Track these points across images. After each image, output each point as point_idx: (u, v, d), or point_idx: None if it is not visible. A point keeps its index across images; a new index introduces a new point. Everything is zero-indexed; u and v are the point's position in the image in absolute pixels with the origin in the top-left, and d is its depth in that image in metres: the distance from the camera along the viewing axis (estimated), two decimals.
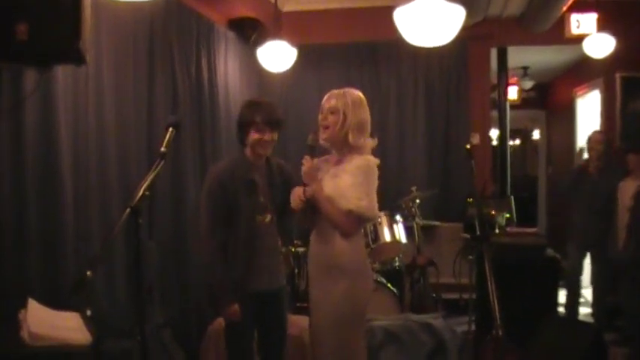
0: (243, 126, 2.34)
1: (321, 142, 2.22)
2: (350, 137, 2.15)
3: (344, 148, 2.20)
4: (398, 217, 4.03)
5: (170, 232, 3.38)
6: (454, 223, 4.84)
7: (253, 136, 2.32)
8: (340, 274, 2.13)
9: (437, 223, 4.71)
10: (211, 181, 2.31)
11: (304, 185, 2.15)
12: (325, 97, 2.22)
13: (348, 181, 2.12)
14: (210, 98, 3.98)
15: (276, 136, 2.37)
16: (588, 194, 4.03)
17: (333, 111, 2.17)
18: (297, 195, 2.20)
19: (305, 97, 5.19)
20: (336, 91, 2.21)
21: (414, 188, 4.31)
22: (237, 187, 2.31)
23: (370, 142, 2.21)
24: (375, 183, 2.15)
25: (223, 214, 2.30)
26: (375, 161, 2.16)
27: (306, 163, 2.17)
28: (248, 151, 2.38)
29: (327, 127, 2.18)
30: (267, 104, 2.40)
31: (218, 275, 2.28)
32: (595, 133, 4.22)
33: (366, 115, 2.19)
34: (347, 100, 2.15)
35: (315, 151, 2.22)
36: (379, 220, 3.89)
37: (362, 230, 2.26)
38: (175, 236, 3.45)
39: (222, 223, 2.29)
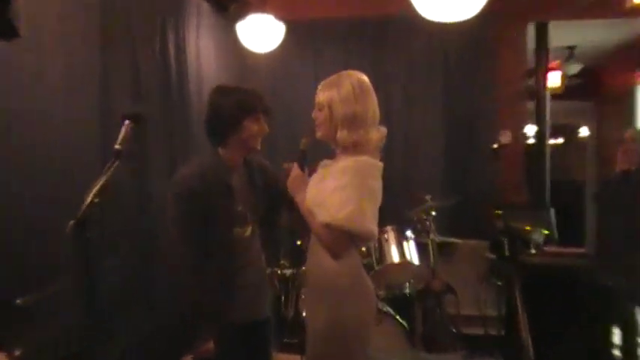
0: (232, 118, 2.34)
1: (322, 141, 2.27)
2: (338, 134, 2.19)
3: (337, 147, 2.25)
4: (408, 233, 4.04)
5: (133, 245, 3.41)
6: (478, 240, 4.80)
7: (250, 128, 2.35)
8: (324, 298, 2.16)
9: (456, 240, 4.69)
10: (179, 188, 2.32)
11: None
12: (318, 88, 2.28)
13: (329, 187, 2.14)
14: (179, 83, 3.97)
15: None
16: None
17: (320, 107, 2.23)
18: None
19: (297, 85, 5.19)
20: (327, 80, 2.25)
21: (428, 197, 4.32)
22: (210, 194, 2.32)
23: (373, 136, 2.19)
24: (371, 189, 2.12)
25: (195, 226, 2.31)
26: (371, 162, 2.15)
27: (293, 171, 2.23)
28: (227, 150, 2.40)
29: (319, 126, 2.25)
30: (254, 90, 2.43)
31: (193, 304, 2.30)
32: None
33: (359, 106, 2.18)
34: (333, 93, 2.18)
35: (307, 157, 2.27)
36: (385, 236, 3.91)
37: (357, 249, 2.24)
38: (140, 251, 3.48)
39: (195, 237, 2.30)
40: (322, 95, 2.22)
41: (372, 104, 2.22)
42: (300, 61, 5.25)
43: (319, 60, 5.21)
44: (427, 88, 5.25)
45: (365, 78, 2.24)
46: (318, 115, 2.24)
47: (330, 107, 2.18)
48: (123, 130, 1.81)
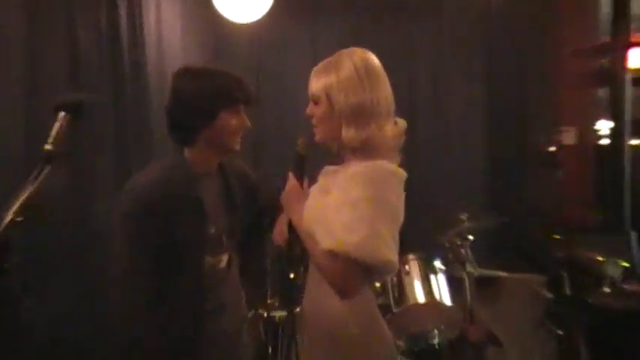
0: (204, 109, 2.36)
1: (321, 144, 2.30)
2: (343, 133, 2.20)
3: (345, 150, 2.28)
4: (437, 264, 4.07)
5: (67, 280, 3.43)
6: (530, 274, 4.68)
7: (227, 122, 2.38)
8: (327, 350, 2.19)
9: (501, 273, 4.54)
10: (130, 203, 2.32)
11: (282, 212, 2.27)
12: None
13: (334, 203, 2.15)
14: (133, 64, 4.01)
15: None
16: None
17: (315, 99, 2.26)
18: (280, 229, 2.28)
19: (291, 67, 5.13)
20: (322, 63, 2.28)
21: (464, 216, 4.33)
22: (172, 211, 2.33)
23: (389, 132, 2.20)
24: (389, 204, 2.10)
25: (153, 254, 2.31)
26: (388, 168, 2.15)
27: (288, 182, 2.26)
28: (196, 151, 2.43)
29: (317, 125, 2.27)
30: (232, 73, 2.47)
31: (145, 352, 2.31)
32: None
33: (367, 93, 2.19)
34: (331, 79, 2.21)
35: (306, 163, 2.30)
36: (407, 268, 3.92)
37: (370, 285, 2.28)
38: (77, 287, 3.49)
39: (153, 269, 2.32)
40: (317, 83, 2.24)
41: (385, 90, 2.23)
42: (294, 34, 5.18)
43: (320, 33, 5.14)
44: (462, 69, 5.22)
45: (372, 56, 2.26)
46: (315, 111, 2.25)
47: (329, 98, 2.20)
48: (56, 124, 1.79)
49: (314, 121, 2.27)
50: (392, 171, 2.13)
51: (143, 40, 4.16)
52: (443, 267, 4.11)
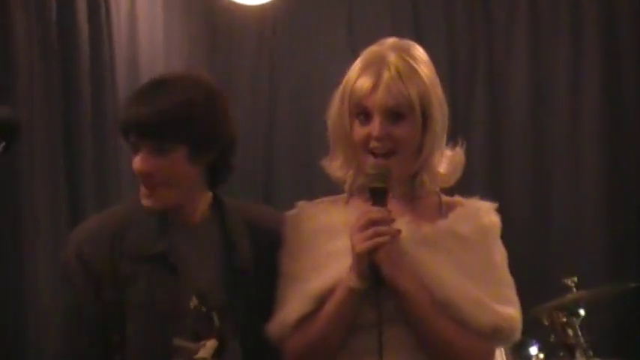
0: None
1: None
2: (435, 161, 2.29)
3: (415, 181, 2.32)
4: (532, 350, 4.14)
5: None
6: None
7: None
8: None
9: None
10: (68, 260, 2.35)
11: (374, 264, 2.18)
12: (363, 74, 2.26)
13: (472, 263, 2.22)
14: (94, 68, 4.20)
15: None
16: None
17: (402, 112, 2.22)
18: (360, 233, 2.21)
19: (315, 56, 5.32)
20: (392, 57, 2.25)
21: (571, 281, 4.22)
22: (129, 271, 2.34)
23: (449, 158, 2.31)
24: None
25: (99, 335, 2.34)
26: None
27: (390, 224, 2.19)
28: None
29: (389, 152, 2.25)
30: (140, 87, 2.44)
31: None
32: None
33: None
34: (423, 81, 2.25)
35: (387, 199, 2.27)
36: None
37: None
38: None
39: (96, 350, 2.35)
40: (404, 87, 2.22)
41: None
42: (324, 15, 5.40)
43: (356, 11, 5.32)
44: (560, 58, 5.42)
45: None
46: (395, 131, 2.24)
47: (426, 110, 2.24)
48: None
49: (389, 145, 2.24)
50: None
51: (110, 31, 4.31)
52: (541, 355, 4.13)
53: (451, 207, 2.31)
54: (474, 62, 5.58)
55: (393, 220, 2.24)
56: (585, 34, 5.53)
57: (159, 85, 2.40)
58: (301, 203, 2.46)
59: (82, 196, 4.16)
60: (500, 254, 2.26)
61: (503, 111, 5.55)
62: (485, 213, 2.30)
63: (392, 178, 2.27)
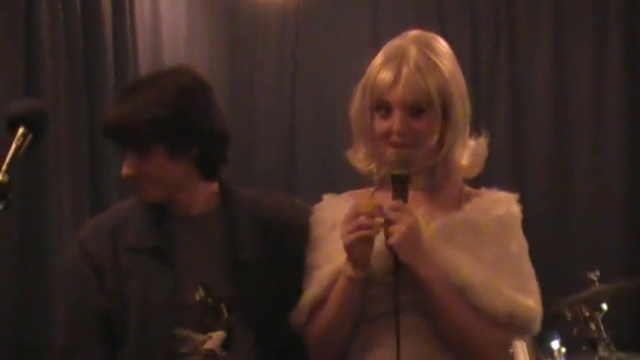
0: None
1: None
2: (456, 154, 2.30)
3: (436, 173, 2.34)
4: (555, 344, 4.16)
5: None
6: None
7: None
8: None
9: None
10: (75, 255, 2.40)
11: (396, 258, 2.19)
12: (384, 69, 2.26)
13: (489, 254, 2.22)
14: (118, 62, 4.25)
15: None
16: None
17: (422, 106, 2.23)
18: (364, 222, 2.21)
19: (339, 49, 5.41)
20: (413, 51, 2.25)
21: (594, 275, 4.22)
22: (129, 263, 2.38)
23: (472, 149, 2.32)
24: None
25: (102, 328, 2.36)
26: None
27: (409, 214, 2.20)
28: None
29: (410, 145, 2.27)
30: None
31: None
32: None
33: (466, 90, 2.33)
34: (443, 74, 2.25)
35: (409, 186, 2.31)
36: (510, 352, 3.84)
37: None
38: None
39: (98, 342, 2.37)
40: (424, 81, 2.23)
41: None
42: (346, 15, 5.48)
43: (380, 4, 5.45)
44: (584, 51, 5.52)
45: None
46: (415, 125, 2.24)
47: (446, 102, 2.25)
48: (13, 147, 1.79)
49: (409, 139, 2.25)
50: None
51: (133, 26, 4.36)
52: (563, 349, 4.15)
53: (469, 198, 2.34)
54: (497, 54, 5.62)
55: (400, 210, 2.25)
56: (609, 26, 5.59)
57: (133, 87, 2.46)
58: (327, 196, 2.49)
59: (105, 189, 4.20)
60: (517, 245, 2.26)
61: (526, 103, 5.58)
62: (503, 203, 2.32)
63: (413, 165, 2.28)
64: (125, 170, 2.37)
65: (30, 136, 1.85)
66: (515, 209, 2.30)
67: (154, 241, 2.41)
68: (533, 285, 2.23)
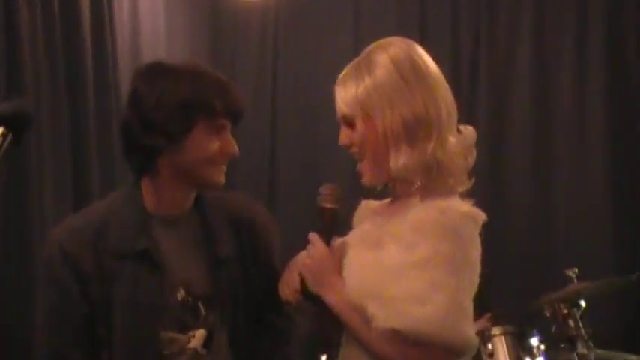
0: (170, 122, 2.34)
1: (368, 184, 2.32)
2: (391, 160, 2.23)
3: (402, 184, 2.29)
4: (534, 341, 4.16)
5: None
6: None
7: (204, 143, 2.36)
8: None
9: (630, 356, 4.49)
10: (55, 258, 2.37)
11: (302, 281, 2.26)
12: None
13: (394, 263, 2.14)
14: (97, 60, 4.24)
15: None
16: None
17: (349, 120, 2.26)
18: (287, 284, 2.32)
19: (320, 54, 5.41)
20: (349, 67, 2.30)
21: (572, 272, 4.24)
22: (106, 267, 2.36)
23: (454, 148, 2.22)
24: (470, 265, 2.16)
25: (84, 333, 2.35)
26: (465, 212, 2.17)
27: (316, 247, 2.26)
28: (158, 182, 2.43)
29: (360, 157, 2.30)
30: (215, 75, 2.44)
31: None
32: None
33: (419, 97, 2.22)
34: (365, 86, 2.24)
35: (336, 221, 2.33)
36: (489, 348, 4.01)
37: None
38: None
39: (79, 345, 2.37)
40: (346, 96, 2.25)
41: (442, 90, 2.25)
42: (328, 13, 5.47)
43: (362, 7, 5.39)
44: (565, 53, 5.53)
45: (417, 47, 2.28)
46: (352, 137, 2.26)
47: (367, 115, 2.22)
48: None
49: (354, 151, 2.27)
50: (469, 215, 2.18)
51: (112, 23, 4.36)
52: (542, 346, 4.15)
53: (405, 206, 2.26)
54: (477, 60, 5.67)
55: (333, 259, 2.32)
56: (591, 24, 5.65)
57: (205, 69, 2.48)
58: (363, 202, 2.48)
59: (88, 188, 4.19)
60: (425, 251, 2.12)
61: (506, 106, 5.63)
62: (415, 209, 2.20)
63: (342, 201, 2.33)
64: (232, 147, 2.41)
65: (9, 137, 1.83)
66: (435, 215, 2.15)
67: (142, 245, 2.39)
68: (436, 292, 2.10)
